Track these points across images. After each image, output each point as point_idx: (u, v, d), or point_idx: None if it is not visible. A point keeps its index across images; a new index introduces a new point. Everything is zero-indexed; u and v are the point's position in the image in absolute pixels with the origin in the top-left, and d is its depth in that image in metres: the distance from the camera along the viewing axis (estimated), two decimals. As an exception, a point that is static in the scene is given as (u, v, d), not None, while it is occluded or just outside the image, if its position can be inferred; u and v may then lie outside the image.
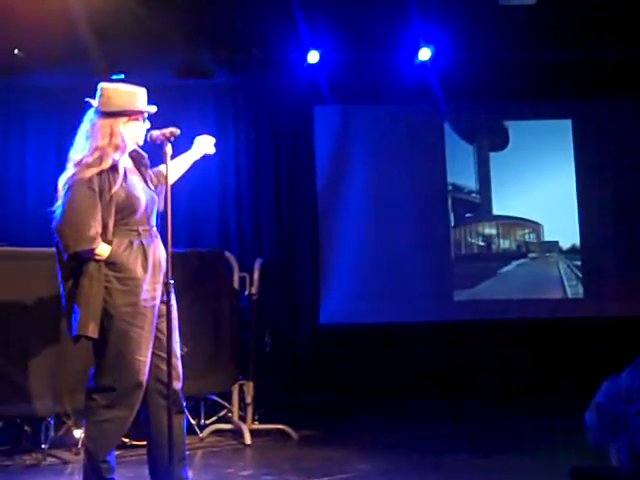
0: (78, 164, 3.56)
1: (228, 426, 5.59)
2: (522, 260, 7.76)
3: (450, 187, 7.71)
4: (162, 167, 3.88)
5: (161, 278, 3.67)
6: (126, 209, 3.62)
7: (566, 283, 7.68)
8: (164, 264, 3.67)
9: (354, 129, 7.61)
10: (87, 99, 3.69)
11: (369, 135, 7.61)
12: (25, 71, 6.62)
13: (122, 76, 6.27)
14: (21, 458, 4.80)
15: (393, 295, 7.40)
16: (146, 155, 3.84)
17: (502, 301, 7.56)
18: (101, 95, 3.67)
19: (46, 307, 4.58)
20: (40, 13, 5.67)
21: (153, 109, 3.76)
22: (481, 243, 7.80)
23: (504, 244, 7.82)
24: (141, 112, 3.72)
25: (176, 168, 3.95)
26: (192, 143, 4.09)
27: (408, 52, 6.92)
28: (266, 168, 7.46)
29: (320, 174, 7.58)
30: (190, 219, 7.14)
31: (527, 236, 7.83)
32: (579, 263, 7.69)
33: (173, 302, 3.70)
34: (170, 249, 3.61)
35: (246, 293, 5.75)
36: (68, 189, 3.53)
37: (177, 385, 3.68)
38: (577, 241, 7.70)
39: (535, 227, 7.79)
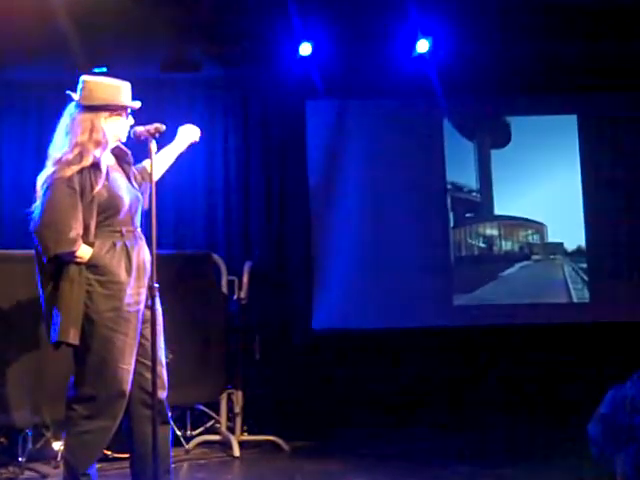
0: (57, 162, 3.57)
1: (216, 437, 5.61)
2: (525, 262, 7.77)
3: (449, 186, 7.72)
4: (146, 163, 3.90)
5: (145, 282, 3.68)
6: (109, 209, 3.63)
7: (571, 286, 7.69)
8: (149, 267, 3.69)
9: (349, 125, 7.61)
10: (68, 92, 3.70)
11: (364, 131, 7.60)
12: (2, 64, 6.60)
13: (104, 69, 6.27)
14: (-3, 471, 4.81)
15: (389, 299, 7.40)
16: (130, 152, 3.85)
17: (504, 305, 7.56)
18: (82, 88, 3.69)
19: (24, 312, 4.59)
20: (15, 1, 5.66)
21: (137, 104, 3.77)
22: (482, 245, 7.81)
23: (506, 246, 7.83)
24: (124, 107, 3.74)
25: (161, 162, 3.97)
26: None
27: (405, 44, 6.91)
28: (256, 166, 7.46)
29: (313, 172, 7.57)
30: (176, 219, 7.14)
31: (530, 237, 7.84)
32: (585, 265, 7.70)
33: (158, 307, 3.72)
34: (155, 251, 3.63)
35: (235, 297, 5.77)
36: (47, 188, 3.54)
37: (162, 394, 3.70)
38: (583, 242, 7.71)
39: (539, 228, 7.80)
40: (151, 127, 3.72)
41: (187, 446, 5.42)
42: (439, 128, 7.70)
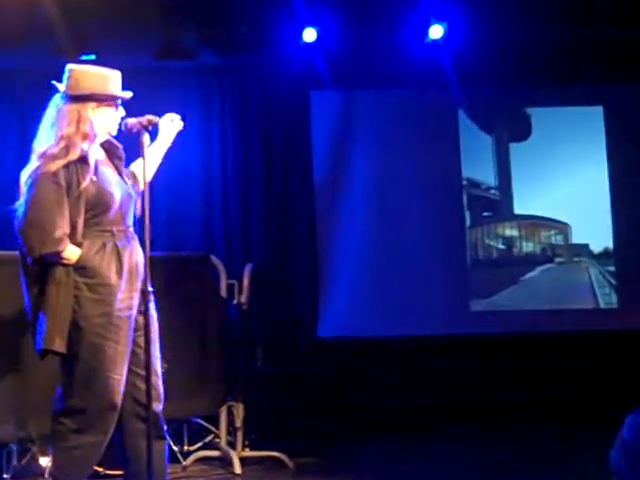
0: (42, 156, 3.57)
1: (215, 453, 5.59)
2: (547, 265, 7.77)
3: (465, 182, 7.72)
4: (134, 167, 3.91)
5: (138, 285, 3.67)
6: (98, 206, 3.62)
7: (598, 291, 7.69)
8: (142, 269, 3.68)
9: (356, 117, 7.62)
10: (53, 82, 3.70)
11: (373, 124, 7.61)
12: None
13: (93, 57, 6.28)
14: (-21, 490, 4.82)
15: (401, 305, 7.40)
16: (121, 146, 3.85)
17: (525, 312, 7.56)
18: (69, 77, 3.68)
19: (8, 318, 4.58)
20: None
21: (128, 95, 3.76)
22: (501, 246, 7.81)
23: (527, 247, 7.83)
24: (114, 97, 3.73)
25: (149, 162, 3.93)
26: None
27: (417, 29, 6.92)
28: (256, 161, 7.47)
29: (318, 168, 7.58)
30: (171, 218, 7.14)
31: (553, 238, 7.83)
32: (612, 269, 7.69)
33: (152, 312, 3.71)
34: (148, 252, 3.61)
35: (235, 302, 5.75)
36: (31, 184, 3.53)
37: (157, 407, 3.69)
38: (610, 244, 7.71)
39: (562, 228, 7.79)
40: (143, 119, 3.72)
41: (184, 462, 5.41)
42: (454, 120, 7.71)
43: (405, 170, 7.58)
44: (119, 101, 3.77)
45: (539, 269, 7.76)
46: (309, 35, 6.86)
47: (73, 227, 3.56)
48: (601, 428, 4.23)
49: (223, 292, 5.70)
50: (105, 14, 6.06)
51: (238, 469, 5.29)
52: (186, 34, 6.80)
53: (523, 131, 7.80)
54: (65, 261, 3.53)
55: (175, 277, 5.27)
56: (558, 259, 7.78)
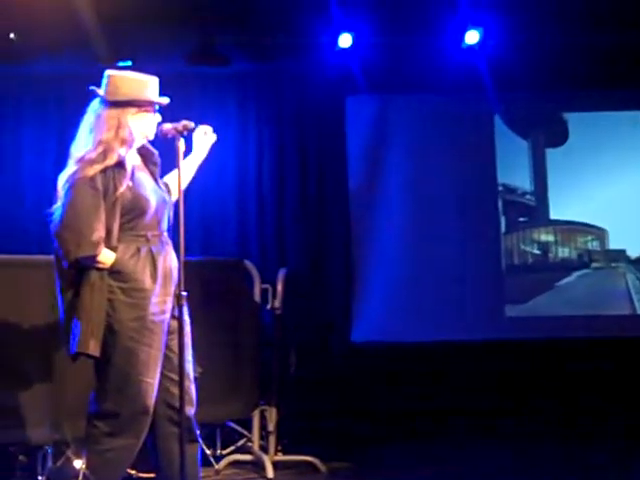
0: (80, 161, 3.59)
1: (247, 457, 5.60)
2: (584, 271, 7.71)
3: (501, 188, 7.68)
4: (167, 178, 3.92)
5: (172, 290, 3.69)
6: (133, 211, 3.64)
7: (635, 297, 7.61)
8: (175, 274, 3.69)
9: (391, 122, 7.60)
10: (92, 87, 3.73)
11: (408, 129, 7.59)
12: (21, 57, 6.67)
13: (129, 63, 6.32)
14: (15, 491, 4.86)
15: (435, 310, 7.37)
16: (157, 152, 3.87)
17: (560, 317, 7.50)
18: (107, 83, 3.71)
19: (43, 322, 4.61)
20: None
21: (165, 100, 3.79)
22: (536, 251, 7.75)
23: (563, 253, 7.77)
24: (152, 103, 3.76)
25: (182, 175, 3.93)
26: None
27: (453, 35, 6.89)
28: (291, 166, 7.47)
29: (353, 173, 7.57)
30: (205, 223, 7.16)
31: (589, 244, 7.77)
32: (650, 275, 7.64)
33: (186, 317, 3.72)
34: (182, 257, 3.63)
35: (268, 307, 5.77)
36: (69, 189, 3.56)
37: (190, 411, 3.70)
38: (647, 250, 7.65)
39: (599, 233, 7.73)
40: (179, 124, 3.74)
41: (217, 466, 5.43)
42: (490, 125, 7.67)
43: (440, 175, 7.55)
44: (156, 107, 3.79)
45: (575, 274, 7.70)
46: (345, 41, 6.86)
47: (108, 231, 3.58)
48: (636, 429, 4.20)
49: (257, 297, 5.71)
50: (141, 20, 6.10)
51: (270, 473, 5.29)
52: (221, 40, 6.82)
53: (559, 136, 7.74)
54: (100, 265, 3.55)
55: (209, 282, 5.27)
56: (594, 264, 7.72)
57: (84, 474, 3.79)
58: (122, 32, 6.27)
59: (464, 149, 7.56)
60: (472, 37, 6.86)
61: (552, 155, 7.73)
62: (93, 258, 3.52)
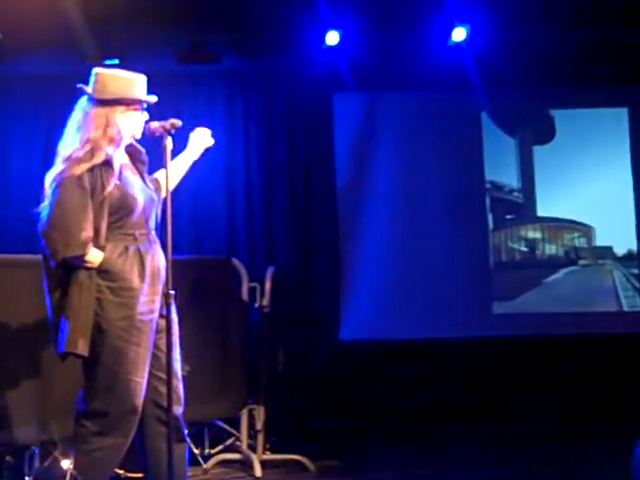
0: (67, 159, 3.57)
1: (236, 456, 5.60)
2: (571, 268, 7.73)
3: (488, 185, 7.69)
4: (158, 175, 3.92)
5: (160, 288, 3.68)
6: (121, 210, 3.63)
7: (621, 294, 7.64)
8: (164, 273, 3.68)
9: (379, 119, 7.61)
10: (80, 85, 3.71)
11: (396, 126, 7.60)
12: (8, 56, 6.66)
13: (116, 61, 6.30)
14: (2, 491, 4.84)
15: (423, 308, 7.38)
16: (144, 150, 3.86)
17: (548, 314, 7.53)
18: (95, 81, 3.69)
19: (30, 321, 4.60)
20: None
21: (154, 99, 3.77)
22: (524, 249, 7.77)
23: (550, 250, 7.79)
24: (140, 101, 3.74)
25: (173, 172, 3.93)
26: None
27: (441, 32, 6.89)
28: (279, 164, 7.47)
29: (340, 170, 7.57)
30: (193, 221, 7.16)
31: (576, 240, 7.79)
32: (636, 271, 7.65)
33: (174, 316, 3.71)
34: (170, 256, 3.62)
35: (256, 305, 5.76)
36: (56, 187, 3.54)
37: (178, 410, 3.69)
38: (634, 246, 7.66)
39: (585, 230, 7.75)
40: (167, 123, 3.72)
41: (205, 465, 5.42)
42: (477, 123, 7.68)
43: (428, 172, 7.57)
44: (144, 105, 3.78)
45: (562, 272, 7.72)
46: (332, 38, 6.85)
47: (96, 231, 3.57)
48: (626, 431, 4.21)
49: (245, 295, 5.70)
50: (129, 19, 6.09)
51: (259, 472, 5.29)
52: (210, 38, 6.81)
53: (547, 133, 7.76)
54: (88, 264, 3.54)
55: (197, 280, 5.27)
56: (582, 262, 7.74)
57: (72, 474, 3.79)
58: (112, 31, 6.26)
59: (451, 146, 7.57)
60: (459, 34, 6.86)
61: (539, 152, 7.75)
62: (81, 258, 3.51)
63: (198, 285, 5.25)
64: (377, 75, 7.33)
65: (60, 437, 4.80)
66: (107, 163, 3.60)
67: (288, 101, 7.54)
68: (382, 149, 7.59)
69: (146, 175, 3.84)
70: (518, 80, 7.39)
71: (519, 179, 7.74)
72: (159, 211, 3.82)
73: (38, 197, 3.64)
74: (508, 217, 7.78)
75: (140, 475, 3.97)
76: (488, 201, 7.68)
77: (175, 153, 3.88)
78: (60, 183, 3.54)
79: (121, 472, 4.81)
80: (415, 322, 7.34)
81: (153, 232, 3.78)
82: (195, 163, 4.13)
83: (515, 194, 7.75)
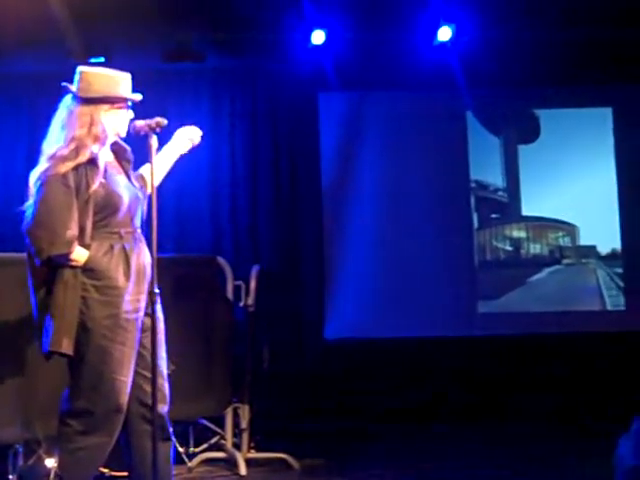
0: (52, 157, 3.57)
1: (220, 455, 5.60)
2: (555, 267, 7.76)
3: (473, 184, 7.71)
4: (143, 170, 3.91)
5: (145, 287, 3.67)
6: (106, 208, 3.62)
7: (605, 293, 7.67)
8: (149, 271, 3.68)
9: (364, 119, 7.62)
10: (64, 84, 3.70)
11: (381, 126, 7.61)
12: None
13: (102, 59, 6.28)
14: (-15, 490, 4.83)
15: (409, 307, 7.40)
16: (129, 148, 3.85)
17: (532, 313, 7.55)
18: (80, 80, 3.68)
19: (15, 319, 4.59)
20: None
21: (138, 97, 3.77)
22: (508, 248, 7.79)
23: (534, 249, 7.81)
24: (125, 100, 3.74)
25: (159, 167, 3.92)
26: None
27: (426, 32, 6.91)
28: (264, 163, 7.47)
29: (325, 169, 7.58)
30: (178, 220, 7.15)
31: (560, 240, 7.82)
32: (620, 270, 7.68)
33: (159, 314, 3.71)
34: (156, 254, 3.62)
35: (241, 304, 5.76)
36: (41, 186, 3.54)
37: (163, 408, 3.69)
38: (618, 245, 7.69)
39: (570, 230, 7.78)
40: (152, 121, 3.72)
41: (190, 464, 5.42)
42: (462, 122, 7.70)
43: (413, 172, 7.58)
44: (129, 103, 3.78)
45: (546, 271, 7.75)
46: (317, 37, 6.86)
47: (81, 229, 3.57)
48: (609, 430, 4.24)
49: (230, 294, 5.70)
50: (114, 17, 6.07)
51: (243, 471, 5.30)
52: (195, 37, 6.80)
53: (531, 133, 7.78)
54: (73, 263, 3.53)
55: (181, 278, 5.26)
56: (565, 261, 7.77)
57: (55, 473, 3.79)
58: (97, 29, 6.24)
59: (437, 146, 7.60)
60: (444, 34, 6.87)
61: (524, 152, 7.77)
62: (66, 256, 3.51)
63: (183, 283, 5.25)
64: (362, 75, 7.34)
65: (44, 436, 4.79)
66: (92, 161, 3.60)
67: (274, 100, 7.54)
68: (367, 148, 7.60)
69: (132, 173, 3.84)
70: (503, 80, 7.42)
71: (504, 178, 7.76)
72: (145, 208, 3.82)
73: (22, 196, 3.63)
74: (493, 216, 7.80)
75: (125, 474, 3.96)
76: (473, 200, 7.70)
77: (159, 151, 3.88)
78: (45, 181, 3.53)
79: (106, 471, 4.80)
80: (400, 321, 7.35)
81: (139, 230, 3.77)
82: (180, 161, 4.13)
83: (500, 193, 7.77)
